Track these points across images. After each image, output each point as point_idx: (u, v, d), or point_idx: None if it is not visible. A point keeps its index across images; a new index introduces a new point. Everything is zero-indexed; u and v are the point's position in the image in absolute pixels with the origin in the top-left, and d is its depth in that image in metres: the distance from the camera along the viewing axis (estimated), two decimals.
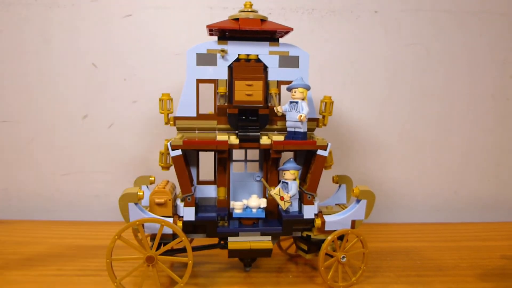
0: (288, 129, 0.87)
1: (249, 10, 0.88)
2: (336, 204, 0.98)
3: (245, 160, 0.94)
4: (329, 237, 0.85)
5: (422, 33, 1.30)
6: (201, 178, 0.92)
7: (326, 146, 0.85)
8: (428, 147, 1.35)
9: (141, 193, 0.81)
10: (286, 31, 0.87)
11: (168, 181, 0.91)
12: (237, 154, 0.93)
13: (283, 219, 0.86)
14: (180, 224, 0.82)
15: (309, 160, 0.91)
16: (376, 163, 1.34)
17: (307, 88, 0.86)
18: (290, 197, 0.85)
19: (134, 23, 1.25)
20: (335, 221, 0.87)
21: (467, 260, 1.01)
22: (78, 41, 1.25)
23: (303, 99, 0.85)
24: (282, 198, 0.85)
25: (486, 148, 1.37)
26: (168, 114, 0.89)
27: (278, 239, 0.97)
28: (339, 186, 1.00)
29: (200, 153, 0.91)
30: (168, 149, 0.82)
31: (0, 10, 1.23)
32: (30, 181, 1.30)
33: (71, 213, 1.30)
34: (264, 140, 0.86)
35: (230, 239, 0.85)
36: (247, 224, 0.87)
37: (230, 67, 0.88)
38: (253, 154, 0.94)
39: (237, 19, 0.87)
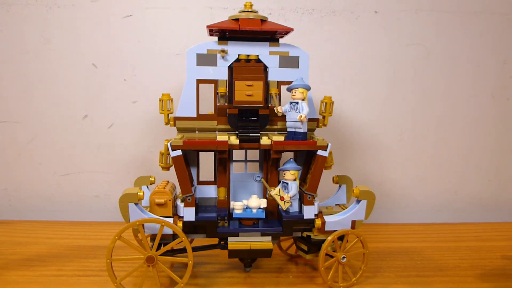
0: (288, 130, 0.87)
1: (249, 10, 0.88)
2: (336, 205, 0.98)
3: (245, 161, 0.94)
4: (329, 238, 0.85)
5: (422, 33, 1.30)
6: (201, 179, 0.92)
7: (326, 146, 0.85)
8: (428, 147, 1.35)
9: (141, 194, 0.81)
10: (286, 31, 0.86)
11: (168, 182, 0.91)
12: (237, 154, 0.93)
13: (283, 219, 0.86)
14: (180, 224, 0.82)
15: (309, 161, 0.91)
16: (376, 164, 1.34)
17: (307, 88, 0.86)
18: (290, 198, 0.85)
19: (134, 23, 1.25)
20: (335, 221, 0.87)
21: (468, 260, 1.01)
22: (78, 41, 1.25)
23: (303, 100, 0.85)
24: (282, 199, 0.85)
25: (486, 148, 1.37)
26: (168, 115, 0.89)
27: (278, 239, 0.97)
28: (339, 186, 1.00)
29: (200, 153, 0.91)
30: (168, 150, 0.82)
31: (0, 10, 1.23)
32: (30, 181, 1.30)
33: (71, 213, 1.30)
34: (264, 141, 0.86)
35: (230, 239, 0.85)
36: (247, 224, 0.87)
37: (230, 68, 0.88)
38: (253, 154, 0.94)
39: (237, 20, 0.87)
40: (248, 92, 0.85)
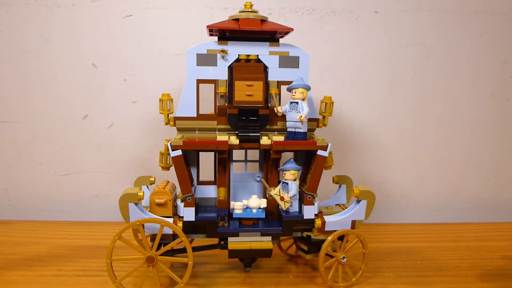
0: (288, 130, 0.87)
1: (249, 10, 0.88)
2: (336, 205, 0.98)
3: (245, 161, 0.94)
4: (329, 238, 0.85)
5: (422, 33, 1.30)
6: (201, 179, 0.92)
7: (326, 146, 0.85)
8: (428, 147, 1.35)
9: (141, 194, 0.81)
10: (286, 31, 0.86)
11: (168, 182, 0.91)
12: (237, 154, 0.93)
13: (283, 219, 0.86)
14: (180, 224, 0.82)
15: (309, 161, 0.91)
16: (376, 164, 1.34)
17: (307, 88, 0.86)
18: (290, 198, 0.85)
19: (134, 23, 1.25)
20: (335, 221, 0.87)
21: (468, 260, 1.01)
22: (78, 41, 1.25)
23: (303, 100, 0.85)
24: (282, 199, 0.85)
25: (486, 148, 1.37)
26: (168, 114, 0.89)
27: (278, 239, 0.97)
28: (339, 186, 1.00)
29: (200, 153, 0.91)
30: (168, 150, 0.82)
31: (0, 10, 1.23)
32: (30, 181, 1.30)
33: (71, 213, 1.30)
34: (264, 141, 0.86)
35: (230, 239, 0.85)
36: (247, 224, 0.87)
37: (230, 68, 0.88)
38: (253, 154, 0.94)
39: (237, 20, 0.87)
40: (248, 92, 0.85)
